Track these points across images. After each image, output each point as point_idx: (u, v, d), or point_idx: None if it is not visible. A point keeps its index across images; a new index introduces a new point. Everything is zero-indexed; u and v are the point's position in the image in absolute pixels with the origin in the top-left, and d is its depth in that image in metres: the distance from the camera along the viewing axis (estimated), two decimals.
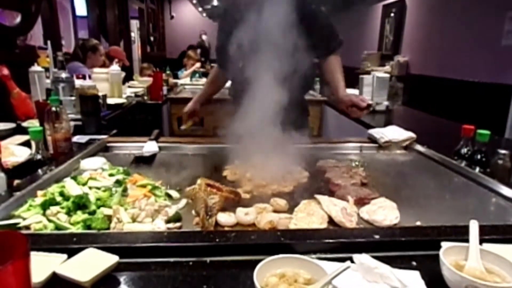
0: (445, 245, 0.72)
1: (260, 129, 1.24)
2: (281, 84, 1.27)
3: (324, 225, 0.92)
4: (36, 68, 2.17)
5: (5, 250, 0.47)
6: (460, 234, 0.79)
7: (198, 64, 5.71)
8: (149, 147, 1.51)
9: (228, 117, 1.31)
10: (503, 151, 1.25)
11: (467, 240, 0.73)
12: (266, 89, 1.27)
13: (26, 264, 0.47)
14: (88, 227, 0.87)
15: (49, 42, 2.36)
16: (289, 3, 1.28)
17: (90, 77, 2.55)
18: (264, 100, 1.25)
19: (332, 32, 1.76)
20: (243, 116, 1.26)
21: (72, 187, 0.99)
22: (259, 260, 0.65)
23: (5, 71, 1.98)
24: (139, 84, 4.07)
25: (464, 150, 1.42)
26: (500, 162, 1.25)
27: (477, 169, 1.31)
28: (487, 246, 0.74)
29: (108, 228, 0.88)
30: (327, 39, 1.73)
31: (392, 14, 5.68)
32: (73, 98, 2.18)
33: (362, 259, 0.69)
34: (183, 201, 1.04)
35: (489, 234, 0.80)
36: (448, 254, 0.69)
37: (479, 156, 1.36)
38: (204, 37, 9.59)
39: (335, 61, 1.76)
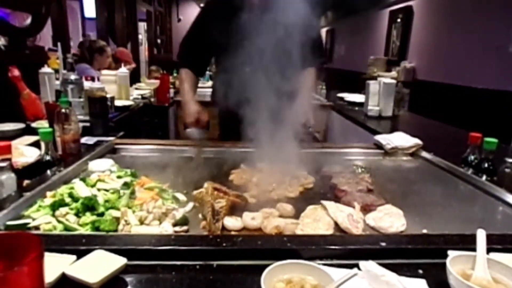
0: (452, 253, 0.72)
1: (266, 133, 1.26)
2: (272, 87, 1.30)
3: (330, 231, 0.92)
4: (46, 69, 2.19)
5: (19, 251, 0.48)
6: (467, 243, 0.79)
7: None
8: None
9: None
10: (511, 160, 1.24)
11: (474, 249, 0.73)
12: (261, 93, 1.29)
13: (40, 266, 0.48)
14: (97, 228, 0.88)
15: (59, 44, 2.38)
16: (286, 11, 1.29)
17: (98, 79, 2.57)
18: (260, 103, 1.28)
19: (320, 48, 1.78)
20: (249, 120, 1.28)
21: (81, 189, 1.00)
22: (265, 265, 0.65)
23: (16, 72, 2.01)
24: (146, 86, 4.10)
25: (471, 158, 1.41)
26: (507, 170, 1.24)
27: (484, 177, 1.31)
28: (494, 255, 0.74)
29: (116, 230, 0.89)
30: (313, 53, 1.57)
31: (399, 20, 5.67)
32: (81, 99, 2.20)
33: (369, 266, 0.69)
34: (190, 205, 1.05)
35: (496, 243, 0.80)
36: (455, 263, 0.69)
37: (486, 164, 1.35)
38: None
39: (308, 73, 1.69)
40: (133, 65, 4.69)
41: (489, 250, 0.74)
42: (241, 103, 1.31)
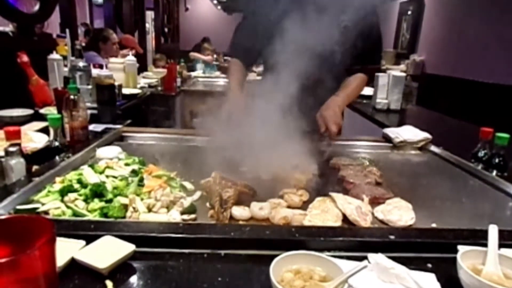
0: (462, 248, 0.71)
1: (276, 126, 1.24)
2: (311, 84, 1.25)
3: (338, 223, 0.91)
4: (54, 56, 2.19)
5: (32, 234, 0.48)
6: (477, 237, 0.78)
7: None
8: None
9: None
10: None
11: (484, 244, 0.72)
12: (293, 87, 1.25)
13: (51, 250, 0.48)
14: (105, 215, 0.88)
15: (67, 30, 2.38)
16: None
17: (106, 67, 2.57)
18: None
19: (378, 51, 1.67)
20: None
21: (89, 175, 1.00)
22: (273, 255, 0.65)
23: (25, 58, 2.01)
24: (153, 75, 4.09)
25: (481, 153, 1.40)
26: None
27: (494, 172, 1.29)
28: (505, 251, 0.73)
29: (124, 217, 0.89)
30: (370, 58, 1.60)
31: (409, 12, 5.59)
32: (89, 86, 2.20)
33: (378, 259, 0.69)
34: (198, 193, 1.05)
35: (507, 239, 0.79)
36: (466, 257, 0.68)
37: (497, 160, 1.33)
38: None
39: (360, 78, 1.64)
40: (140, 51, 4.66)
41: (499, 246, 0.73)
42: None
